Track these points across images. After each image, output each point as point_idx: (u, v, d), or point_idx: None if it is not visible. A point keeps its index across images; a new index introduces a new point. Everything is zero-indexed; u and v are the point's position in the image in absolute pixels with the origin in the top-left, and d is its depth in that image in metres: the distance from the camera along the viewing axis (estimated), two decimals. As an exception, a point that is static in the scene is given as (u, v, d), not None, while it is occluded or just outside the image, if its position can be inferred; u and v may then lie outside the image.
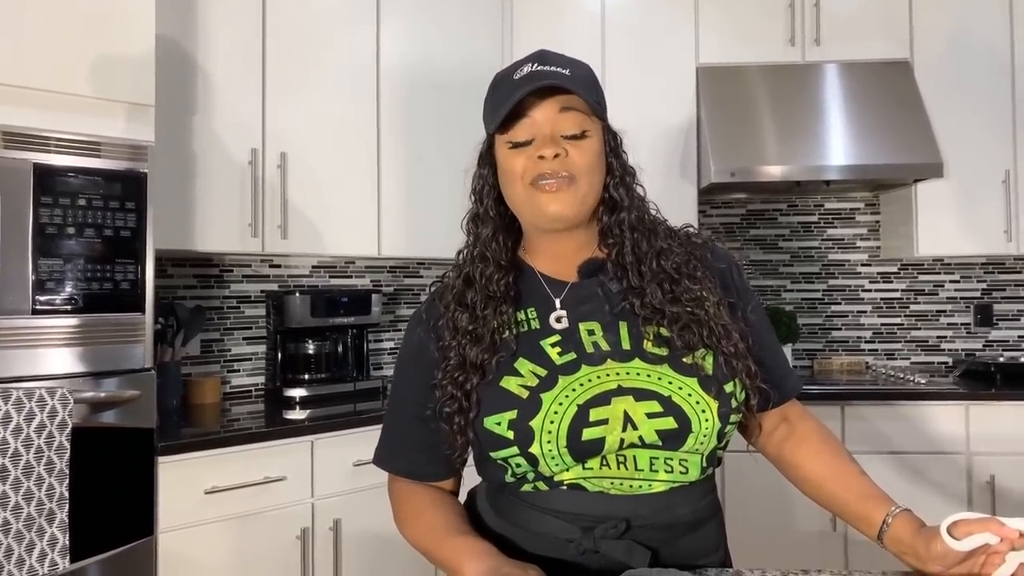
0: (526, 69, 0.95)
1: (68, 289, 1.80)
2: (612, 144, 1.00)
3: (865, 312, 3.38)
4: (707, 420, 0.89)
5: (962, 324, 3.34)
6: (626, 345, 0.94)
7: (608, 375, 0.91)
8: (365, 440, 2.25)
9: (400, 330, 3.18)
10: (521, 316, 0.99)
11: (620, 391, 0.90)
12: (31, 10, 1.78)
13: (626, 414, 0.88)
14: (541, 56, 0.97)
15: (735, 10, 3.07)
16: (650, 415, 0.88)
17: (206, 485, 1.99)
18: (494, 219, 1.01)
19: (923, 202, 2.99)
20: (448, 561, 0.90)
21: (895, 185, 3.11)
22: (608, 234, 0.99)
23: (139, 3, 1.94)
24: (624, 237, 0.97)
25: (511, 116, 0.95)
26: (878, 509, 0.93)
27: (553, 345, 0.95)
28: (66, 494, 1.68)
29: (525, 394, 0.91)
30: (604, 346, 0.94)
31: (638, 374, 0.91)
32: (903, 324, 3.37)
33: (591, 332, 0.96)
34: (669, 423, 0.89)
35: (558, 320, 0.98)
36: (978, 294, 3.34)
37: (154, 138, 1.95)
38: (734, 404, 0.92)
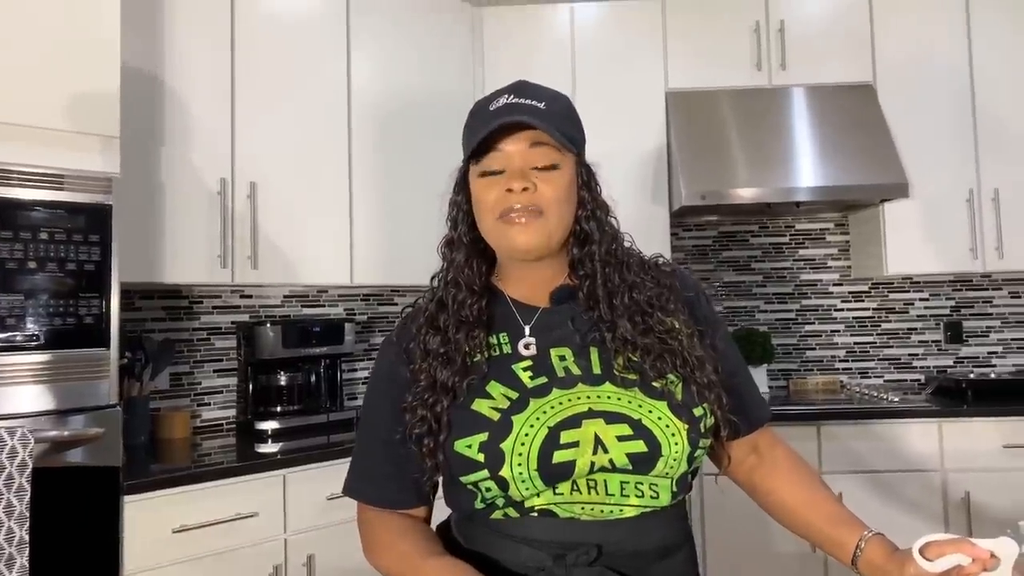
0: (502, 100, 0.97)
1: (30, 325, 1.76)
2: (584, 177, 1.00)
3: (838, 331, 3.41)
4: (677, 444, 0.90)
5: (933, 341, 3.39)
6: (597, 369, 0.94)
7: (579, 398, 0.91)
8: (339, 473, 2.18)
9: (374, 359, 3.14)
10: (493, 340, 1.00)
11: (591, 414, 0.90)
12: (-9, 43, 1.76)
13: (597, 437, 0.88)
14: (519, 88, 0.99)
15: (702, 36, 3.12)
16: (620, 438, 0.88)
17: (174, 524, 1.93)
18: (467, 245, 1.02)
19: (891, 222, 3.04)
20: None
21: (863, 205, 3.16)
22: (579, 266, 1.00)
23: (104, 33, 1.92)
24: (596, 270, 0.98)
25: (484, 147, 0.96)
26: (851, 534, 0.93)
27: (525, 369, 0.95)
28: (26, 538, 1.62)
29: (496, 416, 0.91)
30: (575, 370, 0.95)
31: (608, 397, 0.91)
32: (875, 342, 3.40)
33: (562, 358, 0.96)
34: (639, 446, 0.88)
35: (526, 347, 0.98)
36: (947, 311, 3.39)
37: (119, 170, 1.92)
38: (703, 428, 0.93)
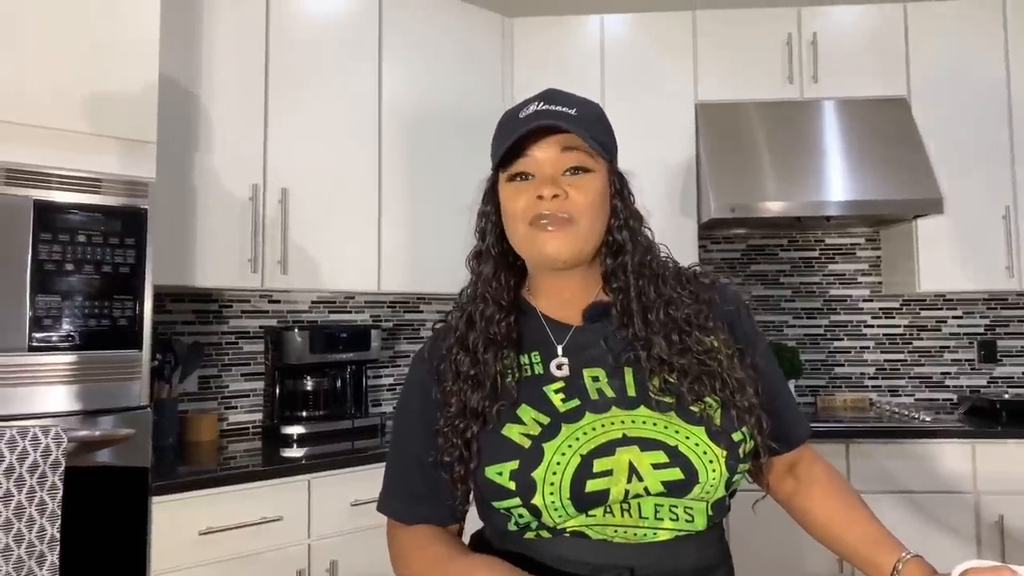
0: (532, 108, 0.95)
1: (65, 326, 1.79)
2: (617, 186, 0.98)
3: (868, 348, 3.36)
4: (714, 471, 0.87)
5: (966, 360, 3.32)
6: (632, 392, 0.92)
7: (613, 423, 0.88)
8: (363, 479, 2.22)
9: (399, 366, 3.16)
10: (524, 360, 0.97)
11: (625, 440, 0.87)
12: (33, 46, 1.80)
13: (631, 464, 0.86)
14: (549, 95, 0.97)
15: (733, 48, 3.11)
16: (656, 466, 0.86)
17: (200, 526, 1.95)
18: (496, 257, 1.00)
19: (924, 238, 2.99)
20: None
21: (895, 221, 3.11)
22: (612, 278, 0.97)
23: (142, 40, 1.96)
24: (629, 283, 0.95)
25: (514, 154, 0.94)
26: (888, 555, 0.91)
27: (557, 391, 0.93)
28: (57, 536, 1.64)
29: (527, 443, 0.88)
30: (609, 393, 0.92)
31: (644, 422, 0.89)
32: (906, 360, 3.34)
33: (595, 379, 0.93)
34: (675, 474, 0.86)
35: (559, 367, 0.95)
36: (981, 330, 3.32)
37: (155, 174, 1.95)
38: (742, 454, 0.90)
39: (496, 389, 0.93)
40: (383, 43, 2.77)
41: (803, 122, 3.04)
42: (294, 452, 2.34)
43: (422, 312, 3.24)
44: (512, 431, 0.90)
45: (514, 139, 0.92)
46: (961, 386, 3.31)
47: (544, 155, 0.94)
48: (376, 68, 2.75)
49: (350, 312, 3.04)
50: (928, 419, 2.81)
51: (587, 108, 0.97)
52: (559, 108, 0.94)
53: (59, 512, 1.65)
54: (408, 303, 3.21)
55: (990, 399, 2.96)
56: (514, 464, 0.87)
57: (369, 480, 2.18)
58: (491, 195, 1.01)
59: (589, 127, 0.94)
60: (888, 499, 2.58)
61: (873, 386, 3.34)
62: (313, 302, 2.94)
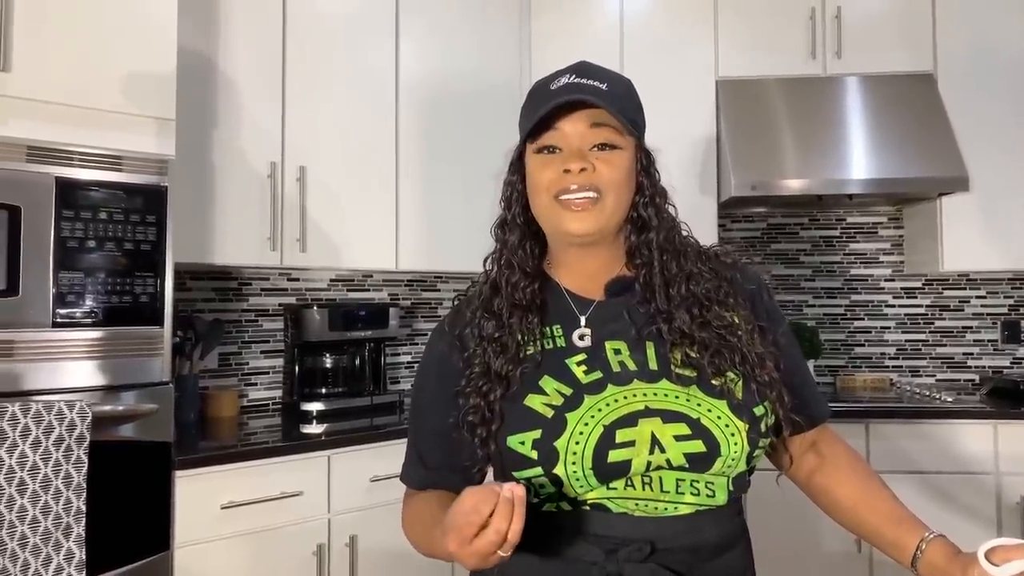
0: (563, 80, 0.95)
1: (88, 302, 1.81)
2: (644, 162, 0.98)
3: (889, 328, 3.32)
4: (736, 444, 0.87)
5: (989, 341, 3.28)
6: (653, 365, 0.92)
7: (635, 395, 0.89)
8: (382, 455, 2.23)
9: (417, 344, 3.17)
10: (547, 332, 0.98)
11: (648, 412, 0.87)
12: (53, 24, 1.80)
13: (653, 436, 0.86)
14: (581, 68, 0.96)
15: (755, 23, 3.05)
16: (678, 437, 0.86)
17: (223, 500, 1.98)
18: (521, 227, 1.01)
19: (948, 216, 2.95)
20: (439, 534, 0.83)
21: (919, 199, 3.06)
22: (636, 254, 0.98)
23: (161, 18, 1.96)
24: (653, 258, 0.96)
25: (542, 126, 0.94)
26: (911, 535, 0.91)
27: (579, 363, 0.93)
28: (83, 508, 1.68)
29: (550, 413, 0.89)
30: (631, 366, 0.92)
31: (666, 395, 0.89)
32: (928, 340, 3.31)
33: (617, 351, 0.94)
34: (697, 446, 0.86)
35: (581, 338, 0.96)
36: (1005, 310, 3.27)
37: (175, 152, 1.96)
38: (764, 428, 0.90)
39: (519, 355, 0.94)
40: (400, 18, 2.75)
41: (826, 98, 2.99)
42: (314, 428, 2.36)
43: (439, 291, 3.24)
44: (534, 401, 0.90)
45: (543, 112, 0.92)
46: (983, 367, 3.27)
47: (573, 129, 0.93)
48: (393, 44, 2.73)
49: (368, 290, 3.05)
50: (949, 400, 2.78)
51: (618, 84, 0.96)
52: (590, 82, 0.93)
53: (85, 485, 1.68)
54: (425, 281, 3.21)
55: (1013, 379, 2.92)
56: (536, 433, 0.88)
57: (388, 456, 2.20)
58: (518, 165, 1.01)
59: (619, 103, 0.93)
60: (908, 480, 2.57)
61: (894, 367, 3.31)
62: (331, 280, 2.95)
